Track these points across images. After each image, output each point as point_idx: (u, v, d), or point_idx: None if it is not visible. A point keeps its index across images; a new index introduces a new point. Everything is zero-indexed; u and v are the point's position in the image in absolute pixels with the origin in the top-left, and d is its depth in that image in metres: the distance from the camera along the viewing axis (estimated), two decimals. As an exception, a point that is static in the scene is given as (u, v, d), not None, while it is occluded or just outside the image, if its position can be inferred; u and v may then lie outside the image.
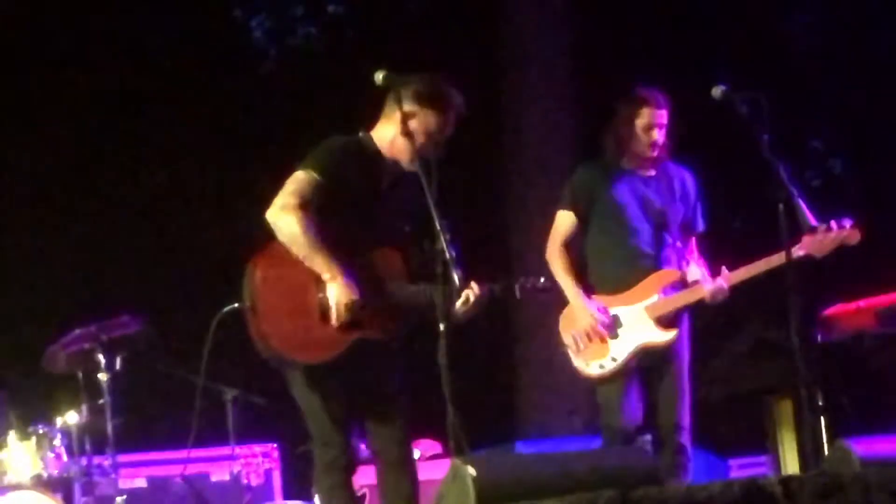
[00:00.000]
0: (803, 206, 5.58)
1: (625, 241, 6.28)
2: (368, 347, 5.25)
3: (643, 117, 6.25)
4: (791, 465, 7.71)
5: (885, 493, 4.13)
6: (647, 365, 6.25)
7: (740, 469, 7.73)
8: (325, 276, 5.16)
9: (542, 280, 5.57)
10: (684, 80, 6.40)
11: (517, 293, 5.46)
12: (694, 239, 6.42)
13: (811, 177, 12.93)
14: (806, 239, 5.98)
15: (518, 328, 11.01)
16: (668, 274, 6.28)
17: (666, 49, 11.89)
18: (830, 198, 6.08)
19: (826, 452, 5.21)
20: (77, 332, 7.14)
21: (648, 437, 6.47)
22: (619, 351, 6.20)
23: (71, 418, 7.25)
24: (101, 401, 7.17)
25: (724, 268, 6.18)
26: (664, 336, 6.20)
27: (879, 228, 6.15)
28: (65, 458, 7.21)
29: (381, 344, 5.31)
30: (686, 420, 6.25)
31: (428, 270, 5.17)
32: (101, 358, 7.13)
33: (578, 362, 6.29)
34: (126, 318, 7.23)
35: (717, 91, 5.72)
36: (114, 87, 11.83)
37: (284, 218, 5.17)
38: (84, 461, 7.28)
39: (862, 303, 7.46)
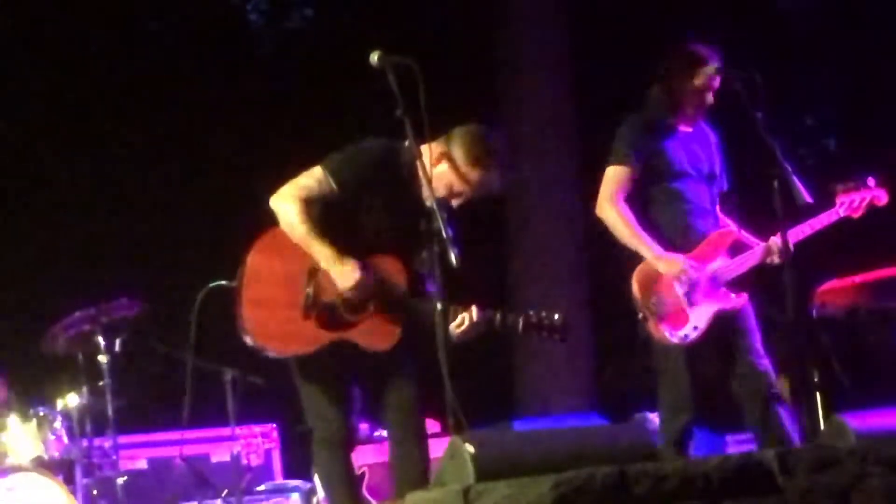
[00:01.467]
0: (798, 183, 5.60)
1: (685, 198, 5.94)
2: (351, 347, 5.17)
3: (701, 77, 5.88)
4: (787, 440, 7.72)
5: (880, 466, 4.15)
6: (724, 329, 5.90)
7: (737, 444, 7.74)
8: (322, 263, 5.12)
9: (556, 317, 5.14)
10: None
11: (520, 327, 5.12)
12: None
13: (805, 155, 12.94)
14: (842, 199, 5.97)
15: (516, 306, 11.02)
16: (727, 234, 5.99)
17: (661, 27, 11.88)
18: (824, 176, 6.07)
19: (822, 427, 5.25)
20: (76, 314, 7.17)
21: (648, 413, 6.47)
22: (699, 318, 5.81)
23: (71, 400, 7.29)
24: (101, 383, 7.21)
25: None
26: (737, 301, 5.89)
27: (874, 205, 6.14)
28: (66, 440, 7.26)
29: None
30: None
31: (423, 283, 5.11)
32: (100, 340, 7.17)
33: (662, 330, 5.80)
34: (125, 300, 7.26)
35: (711, 69, 5.75)
36: (111, 73, 11.82)
37: (284, 206, 5.18)
38: (85, 443, 7.32)
39: (857, 278, 7.47)
